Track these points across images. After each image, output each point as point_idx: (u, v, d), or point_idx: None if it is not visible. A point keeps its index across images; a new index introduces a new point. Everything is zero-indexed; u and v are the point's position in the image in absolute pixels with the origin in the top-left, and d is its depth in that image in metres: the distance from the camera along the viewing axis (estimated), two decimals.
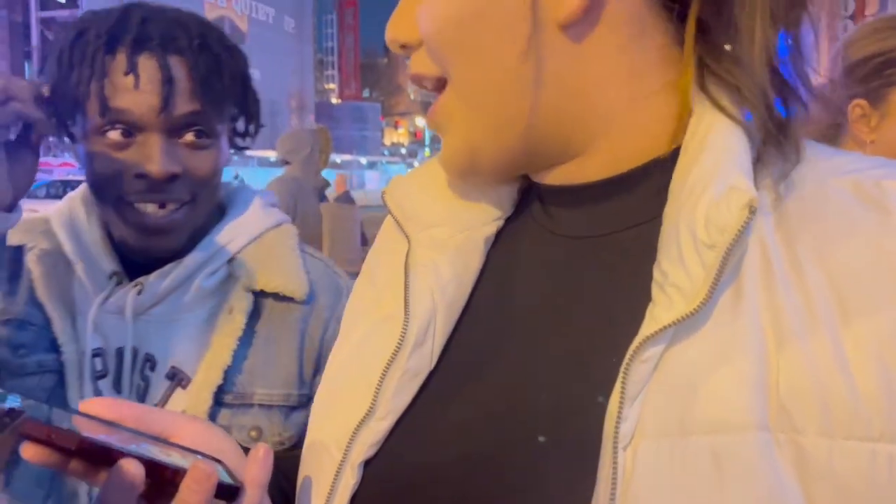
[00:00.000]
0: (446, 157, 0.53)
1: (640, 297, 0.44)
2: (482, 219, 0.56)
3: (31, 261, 0.91)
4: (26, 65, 25.63)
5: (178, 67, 0.85)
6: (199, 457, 0.48)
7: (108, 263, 0.91)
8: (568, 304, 0.50)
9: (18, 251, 0.92)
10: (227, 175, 1.09)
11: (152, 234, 0.87)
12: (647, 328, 0.42)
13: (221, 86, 0.89)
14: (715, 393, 0.41)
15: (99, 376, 0.90)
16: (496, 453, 0.48)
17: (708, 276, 0.41)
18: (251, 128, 0.98)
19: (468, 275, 0.54)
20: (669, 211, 0.46)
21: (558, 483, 0.44)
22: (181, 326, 0.91)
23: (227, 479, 0.48)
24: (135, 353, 0.90)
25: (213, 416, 0.89)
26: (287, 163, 3.97)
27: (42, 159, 0.79)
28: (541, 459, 0.46)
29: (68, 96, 0.84)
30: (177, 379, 0.91)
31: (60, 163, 14.29)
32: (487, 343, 0.52)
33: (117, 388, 0.90)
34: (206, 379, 0.89)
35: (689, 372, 0.42)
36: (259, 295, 0.93)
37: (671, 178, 0.47)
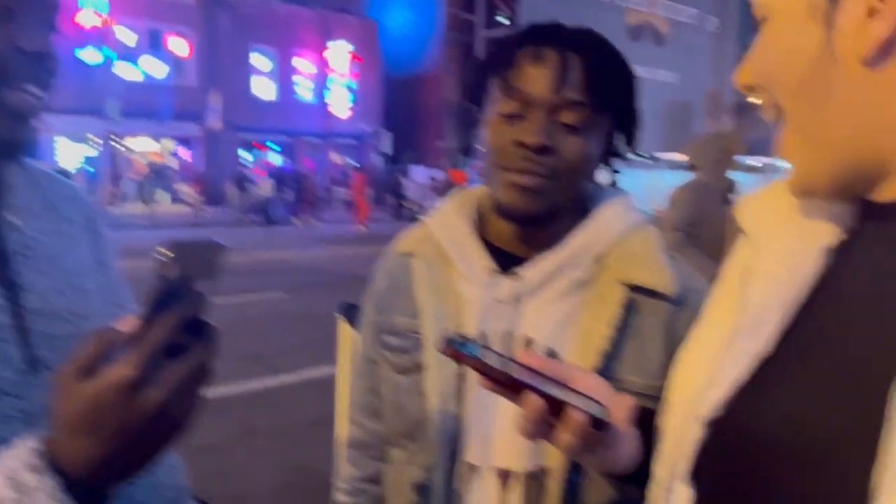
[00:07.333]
0: (789, 182, 0.64)
1: None
2: (821, 235, 0.64)
3: (417, 266, 1.09)
4: None
5: (574, 61, 0.97)
6: (585, 398, 0.70)
7: (485, 261, 1.05)
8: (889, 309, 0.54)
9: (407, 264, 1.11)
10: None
11: (521, 191, 0.98)
12: None
13: (609, 91, 0.99)
14: None
15: None
16: (820, 428, 0.55)
17: None
18: (628, 143, 1.06)
19: (805, 280, 0.62)
20: None
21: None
22: (554, 312, 1.01)
23: (602, 416, 0.70)
24: (511, 336, 1.01)
25: None
26: (695, 167, 3.84)
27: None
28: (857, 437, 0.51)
29: (481, 86, 1.03)
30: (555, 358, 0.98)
31: None
32: (817, 339, 0.59)
33: None
34: (583, 361, 0.97)
35: None
36: (631, 290, 1.00)
37: None
